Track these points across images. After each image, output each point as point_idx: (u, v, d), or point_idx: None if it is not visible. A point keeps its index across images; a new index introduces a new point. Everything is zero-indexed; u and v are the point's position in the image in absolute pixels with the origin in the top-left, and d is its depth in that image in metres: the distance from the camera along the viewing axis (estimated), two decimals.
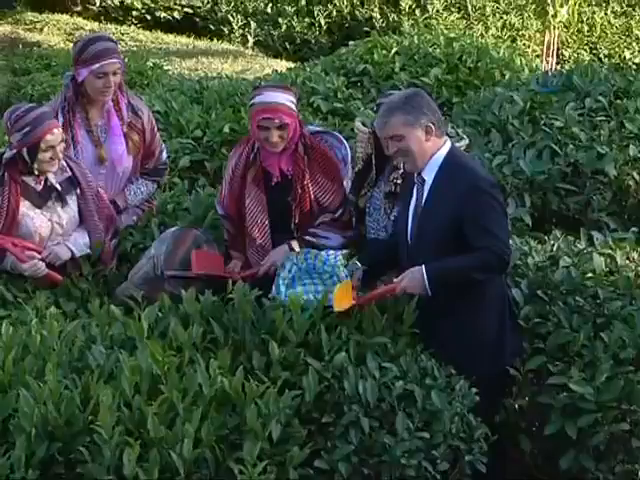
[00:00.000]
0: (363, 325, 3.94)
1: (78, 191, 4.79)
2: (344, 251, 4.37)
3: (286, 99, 4.57)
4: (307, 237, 4.64)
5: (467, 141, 5.00)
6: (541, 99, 6.53)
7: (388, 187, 4.55)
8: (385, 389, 3.65)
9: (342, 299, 3.96)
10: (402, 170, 4.45)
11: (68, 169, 4.78)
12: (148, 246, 4.86)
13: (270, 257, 4.57)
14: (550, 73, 7.74)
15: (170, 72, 11.86)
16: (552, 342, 4.11)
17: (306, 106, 7.70)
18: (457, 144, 4.29)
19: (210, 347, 3.76)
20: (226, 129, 6.96)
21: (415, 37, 9.36)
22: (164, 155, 5.43)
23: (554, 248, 4.67)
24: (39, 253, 4.64)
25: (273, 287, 4.22)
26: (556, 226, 5.48)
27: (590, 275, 4.37)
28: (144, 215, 5.31)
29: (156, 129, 5.37)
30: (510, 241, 4.61)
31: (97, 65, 4.93)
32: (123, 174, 5.21)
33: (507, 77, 8.41)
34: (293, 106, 4.60)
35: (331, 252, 4.31)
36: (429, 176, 4.02)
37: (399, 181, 4.50)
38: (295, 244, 4.60)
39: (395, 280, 3.98)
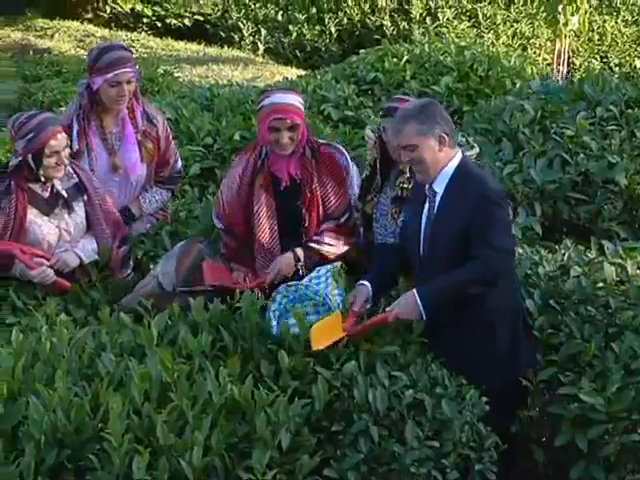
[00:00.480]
0: (372, 334, 3.92)
1: (85, 197, 4.79)
2: (337, 263, 4.34)
3: (295, 99, 4.58)
4: (311, 244, 4.63)
5: (477, 150, 4.98)
6: (552, 108, 6.51)
7: (395, 192, 4.54)
8: (395, 398, 3.63)
9: (327, 334, 3.87)
10: (408, 174, 4.44)
11: (75, 175, 4.77)
12: (159, 254, 4.86)
13: (276, 265, 4.57)
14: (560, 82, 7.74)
15: (180, 79, 11.90)
16: (563, 352, 4.09)
17: (317, 114, 7.71)
18: (467, 153, 4.27)
19: (219, 355, 3.76)
20: (236, 137, 6.97)
21: (426, 45, 9.36)
22: (179, 163, 5.45)
23: (565, 257, 4.66)
24: (47, 260, 4.63)
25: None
26: (567, 235, 5.46)
27: (601, 285, 4.36)
28: (158, 223, 5.33)
29: (171, 137, 5.38)
30: (520, 250, 4.61)
31: (111, 74, 4.95)
32: (137, 182, 5.22)
33: (518, 86, 8.38)
34: (302, 107, 4.61)
35: (322, 272, 4.25)
36: (440, 187, 3.98)
37: (405, 185, 4.49)
38: (300, 252, 4.59)
39: (387, 309, 3.95)
